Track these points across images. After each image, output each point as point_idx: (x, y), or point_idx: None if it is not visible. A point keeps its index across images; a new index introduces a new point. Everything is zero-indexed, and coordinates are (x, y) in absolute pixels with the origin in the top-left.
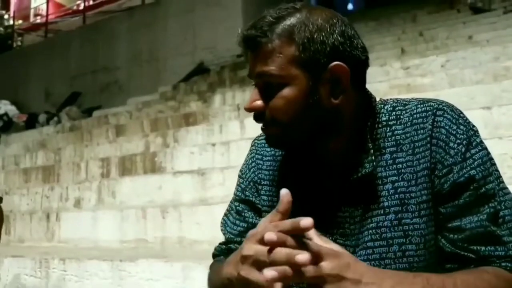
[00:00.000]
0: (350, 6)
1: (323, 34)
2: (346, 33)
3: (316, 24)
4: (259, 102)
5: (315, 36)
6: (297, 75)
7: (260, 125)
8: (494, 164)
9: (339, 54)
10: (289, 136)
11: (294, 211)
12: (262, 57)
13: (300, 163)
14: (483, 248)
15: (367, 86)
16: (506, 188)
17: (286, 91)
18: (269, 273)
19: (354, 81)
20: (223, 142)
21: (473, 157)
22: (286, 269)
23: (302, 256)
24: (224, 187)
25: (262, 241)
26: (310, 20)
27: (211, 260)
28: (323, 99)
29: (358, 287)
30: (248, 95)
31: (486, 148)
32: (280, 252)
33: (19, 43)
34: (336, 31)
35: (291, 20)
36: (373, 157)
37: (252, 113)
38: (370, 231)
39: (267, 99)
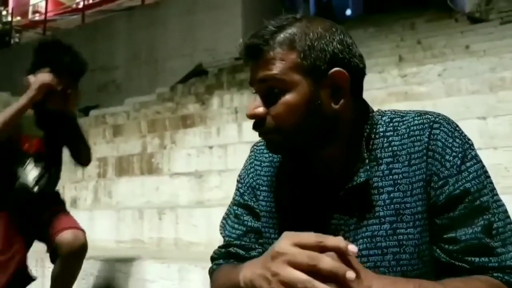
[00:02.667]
0: (348, 12)
1: (323, 42)
2: (345, 41)
3: (316, 32)
4: (261, 109)
5: (315, 44)
6: (299, 81)
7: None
8: (489, 177)
9: (339, 61)
10: (290, 142)
11: (290, 217)
12: (264, 64)
13: (296, 170)
14: (477, 259)
15: (365, 92)
16: (500, 200)
17: (288, 97)
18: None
19: (353, 88)
20: (220, 145)
21: (468, 170)
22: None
23: (352, 274)
24: (221, 190)
25: (299, 245)
26: (310, 29)
27: (207, 262)
28: (324, 105)
29: None
30: (246, 98)
31: (481, 161)
32: (327, 261)
33: (17, 40)
34: (336, 39)
35: (292, 29)
36: (368, 167)
37: (252, 119)
38: (365, 239)
39: (268, 105)
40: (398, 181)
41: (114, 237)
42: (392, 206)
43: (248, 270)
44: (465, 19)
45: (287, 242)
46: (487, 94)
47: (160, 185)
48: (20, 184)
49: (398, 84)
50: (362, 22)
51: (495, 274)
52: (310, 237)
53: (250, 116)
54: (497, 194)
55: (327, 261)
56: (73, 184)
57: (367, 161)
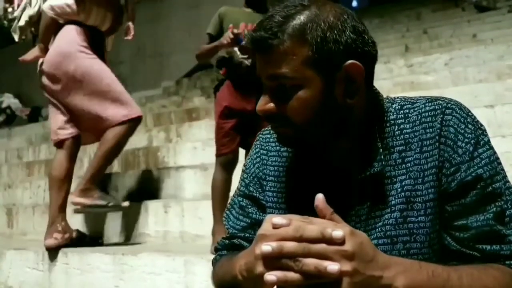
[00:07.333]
0: (354, 3)
1: (336, 32)
2: (357, 28)
3: (327, 21)
4: (271, 105)
5: (327, 35)
6: (311, 76)
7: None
8: (501, 164)
9: (353, 52)
10: (303, 136)
11: (300, 208)
12: (273, 59)
13: (306, 161)
14: (488, 247)
15: None
16: None
17: (302, 93)
18: (270, 277)
19: (366, 78)
20: None
21: (481, 156)
22: (288, 274)
23: (338, 232)
24: None
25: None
26: (321, 17)
27: (213, 255)
28: (338, 99)
29: (367, 267)
30: None
31: (493, 148)
32: (312, 229)
33: (23, 36)
34: (348, 28)
35: (301, 19)
36: (382, 156)
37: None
38: (377, 229)
39: (279, 101)
40: (410, 168)
41: (120, 230)
42: (403, 193)
43: (243, 260)
44: (472, 8)
45: (270, 223)
46: (494, 82)
47: (166, 178)
48: None
49: (404, 74)
50: (367, 13)
51: (507, 262)
52: (294, 216)
53: (260, 113)
54: (509, 182)
55: (312, 228)
56: (79, 179)
57: (380, 150)
